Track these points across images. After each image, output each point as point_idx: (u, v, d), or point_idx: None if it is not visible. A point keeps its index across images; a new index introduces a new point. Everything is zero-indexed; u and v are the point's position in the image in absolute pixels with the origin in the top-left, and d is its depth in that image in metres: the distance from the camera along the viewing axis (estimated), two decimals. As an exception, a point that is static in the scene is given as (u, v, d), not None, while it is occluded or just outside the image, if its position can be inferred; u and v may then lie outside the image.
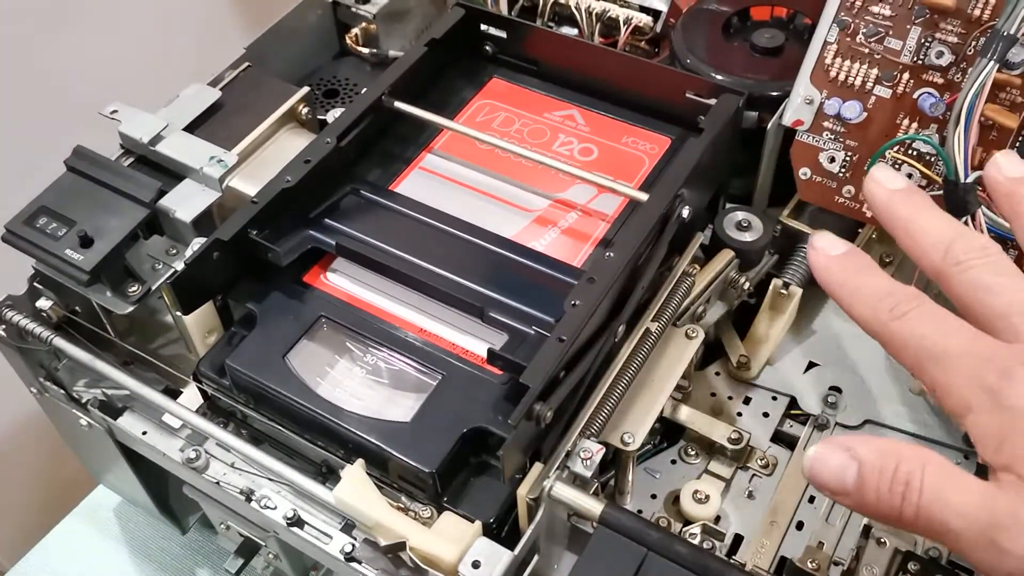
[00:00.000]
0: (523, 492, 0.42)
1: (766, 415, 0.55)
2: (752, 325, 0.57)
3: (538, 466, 0.43)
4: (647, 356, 0.48)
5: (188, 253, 0.51)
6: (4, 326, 0.51)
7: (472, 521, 0.42)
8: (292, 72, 0.68)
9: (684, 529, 0.48)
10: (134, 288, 0.52)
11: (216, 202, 0.55)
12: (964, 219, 0.46)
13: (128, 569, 0.62)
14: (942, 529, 0.29)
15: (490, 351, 0.45)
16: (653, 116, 0.57)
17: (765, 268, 0.56)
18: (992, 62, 0.46)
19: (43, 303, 0.52)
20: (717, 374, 0.57)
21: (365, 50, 0.69)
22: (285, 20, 0.67)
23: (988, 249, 0.33)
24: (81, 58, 0.80)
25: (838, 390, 0.56)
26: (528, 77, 0.60)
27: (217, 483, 0.47)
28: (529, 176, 0.54)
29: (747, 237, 0.54)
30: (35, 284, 0.53)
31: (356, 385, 0.46)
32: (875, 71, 0.53)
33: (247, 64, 0.62)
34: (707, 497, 0.49)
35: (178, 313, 0.49)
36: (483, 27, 0.61)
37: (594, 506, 0.41)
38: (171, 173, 0.56)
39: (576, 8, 0.65)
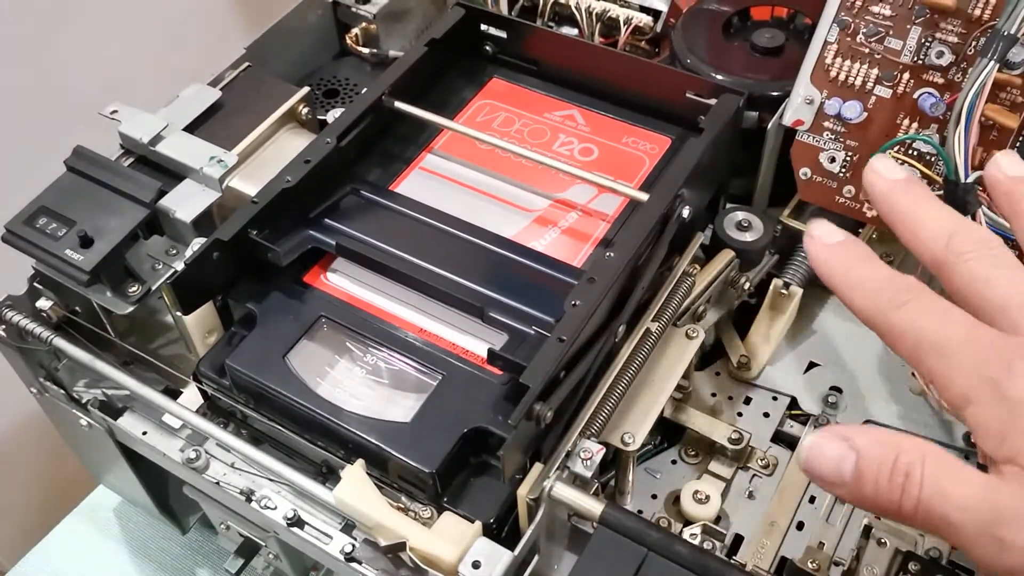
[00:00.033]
0: (523, 492, 0.42)
1: (766, 415, 0.55)
2: (752, 325, 0.57)
3: (538, 466, 0.43)
4: (647, 356, 0.48)
5: (188, 253, 0.51)
6: (4, 326, 0.51)
7: (472, 521, 0.42)
8: (292, 72, 0.67)
9: (684, 529, 0.48)
10: (134, 288, 0.52)
11: (216, 202, 0.55)
12: (964, 219, 0.46)
13: (128, 569, 0.62)
14: (942, 523, 0.29)
15: (490, 351, 0.45)
16: (653, 116, 0.57)
17: (765, 268, 0.56)
18: (992, 62, 0.46)
19: (43, 303, 0.52)
20: (717, 374, 0.57)
21: (365, 50, 0.69)
22: (285, 20, 0.67)
23: (989, 242, 0.33)
24: (81, 58, 0.80)
25: (838, 390, 0.56)
26: (528, 77, 0.60)
27: (217, 483, 0.47)
28: (529, 176, 0.54)
29: (747, 237, 0.54)
30: (35, 284, 0.53)
31: (356, 385, 0.46)
32: (875, 71, 0.53)
33: (247, 64, 0.62)
34: (707, 497, 0.49)
35: (178, 313, 0.49)
36: (483, 27, 0.61)
37: (594, 506, 0.41)
38: (171, 173, 0.56)
39: (576, 8, 0.65)
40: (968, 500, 0.29)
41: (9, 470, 0.84)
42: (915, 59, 0.52)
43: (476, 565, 0.40)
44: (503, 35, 0.60)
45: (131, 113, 0.57)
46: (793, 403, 0.56)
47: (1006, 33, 0.46)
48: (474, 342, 0.47)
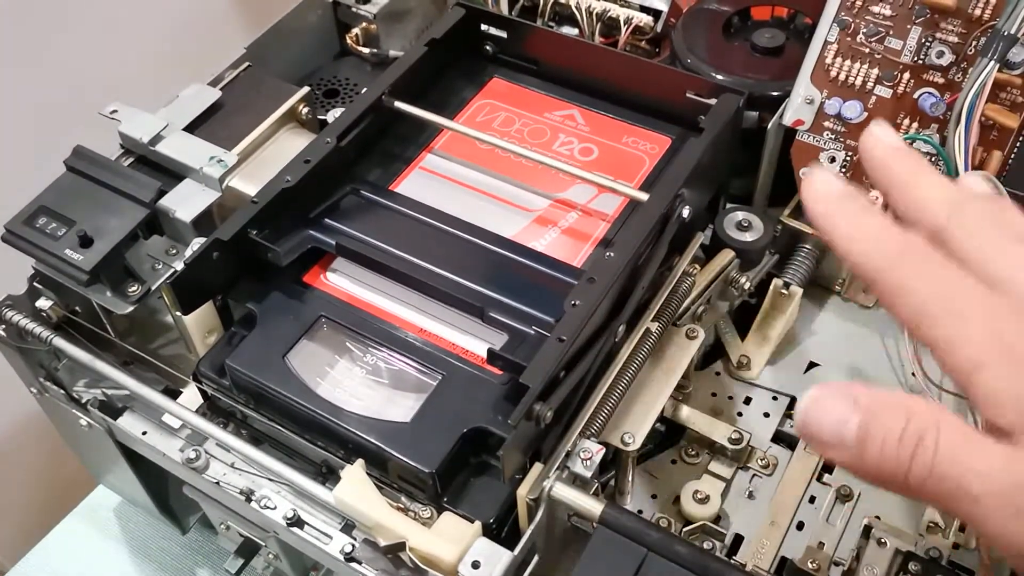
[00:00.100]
0: (523, 492, 0.42)
1: (766, 415, 0.55)
2: (752, 325, 0.57)
3: (538, 466, 0.43)
4: (647, 356, 0.48)
5: (188, 253, 0.51)
6: (4, 326, 0.51)
7: (472, 521, 0.42)
8: (292, 72, 0.67)
9: (684, 529, 0.48)
10: (134, 288, 0.52)
11: (216, 202, 0.55)
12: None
13: (128, 569, 0.62)
14: (958, 493, 0.27)
15: (490, 351, 0.45)
16: (653, 116, 0.57)
17: (765, 268, 0.56)
18: (993, 62, 0.46)
19: (43, 303, 0.52)
20: (717, 374, 0.57)
21: (365, 50, 0.69)
22: (285, 20, 0.67)
23: (992, 211, 0.31)
24: (81, 58, 0.80)
25: (839, 390, 0.55)
26: (528, 77, 0.60)
27: (217, 483, 0.47)
28: (529, 176, 0.54)
29: (747, 237, 0.54)
30: (35, 284, 0.53)
31: (356, 385, 0.46)
32: (876, 71, 0.53)
33: (247, 64, 0.62)
34: (707, 497, 0.49)
35: (178, 313, 0.49)
36: (483, 27, 0.61)
37: (594, 506, 0.41)
38: (171, 173, 0.56)
39: (576, 8, 0.65)
40: (989, 469, 0.26)
41: (9, 470, 0.84)
42: (915, 59, 0.52)
43: (476, 565, 0.40)
44: (503, 35, 0.60)
45: (131, 113, 0.57)
46: (793, 403, 0.56)
47: (1006, 33, 0.46)
48: (474, 342, 0.47)
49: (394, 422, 0.44)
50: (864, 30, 0.53)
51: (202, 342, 0.51)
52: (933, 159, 0.52)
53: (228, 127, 0.58)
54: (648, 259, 0.48)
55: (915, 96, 0.52)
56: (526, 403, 0.40)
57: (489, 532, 0.42)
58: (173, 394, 0.51)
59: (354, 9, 0.68)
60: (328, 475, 0.46)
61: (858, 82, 0.53)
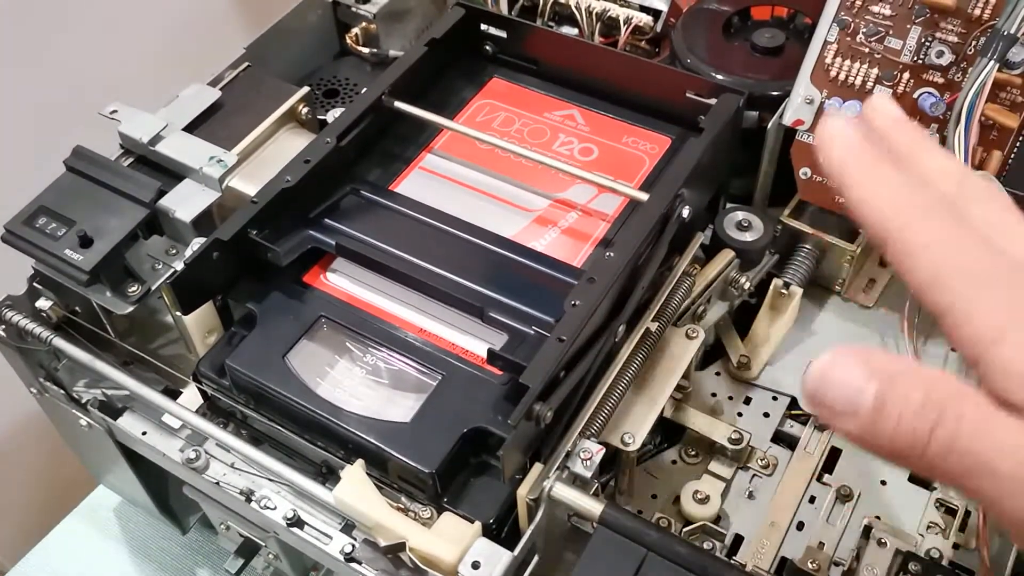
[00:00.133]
0: (523, 492, 0.42)
1: (766, 415, 0.55)
2: (752, 325, 0.57)
3: (538, 466, 0.43)
4: (647, 356, 0.48)
5: (188, 253, 0.51)
6: (4, 326, 0.51)
7: (472, 521, 0.42)
8: (292, 72, 0.67)
9: (684, 529, 0.48)
10: (134, 288, 0.52)
11: (216, 202, 0.55)
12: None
13: (128, 569, 0.62)
14: (980, 470, 0.25)
15: (490, 351, 0.45)
16: (653, 116, 0.57)
17: (765, 268, 0.56)
18: (992, 62, 0.46)
19: (43, 303, 0.52)
20: (717, 374, 0.57)
21: (365, 50, 0.69)
22: (285, 20, 0.67)
23: (997, 190, 0.29)
24: (81, 58, 0.80)
25: (838, 390, 0.55)
26: (528, 77, 0.60)
27: (217, 483, 0.47)
28: (529, 176, 0.54)
29: (747, 237, 0.54)
30: (35, 284, 0.53)
31: (356, 385, 0.46)
32: (875, 71, 0.53)
33: (247, 64, 0.62)
34: (707, 497, 0.49)
35: (178, 313, 0.49)
36: (483, 27, 0.61)
37: (594, 506, 0.41)
38: (171, 173, 0.56)
39: (576, 8, 0.65)
40: (1016, 446, 0.25)
41: (9, 470, 0.84)
42: (915, 59, 0.52)
43: (476, 565, 0.40)
44: (503, 35, 0.60)
45: (131, 113, 0.57)
46: (793, 403, 0.56)
47: (1006, 33, 0.46)
48: (474, 342, 0.47)
49: (394, 422, 0.44)
50: (864, 30, 0.53)
51: (202, 342, 0.51)
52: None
53: (228, 127, 0.58)
54: (648, 259, 0.48)
55: (915, 96, 0.52)
56: (526, 403, 0.40)
57: (489, 532, 0.42)
58: (173, 394, 0.51)
59: (354, 9, 0.69)
60: (328, 475, 0.46)
61: (858, 82, 0.53)
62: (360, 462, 0.43)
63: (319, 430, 0.46)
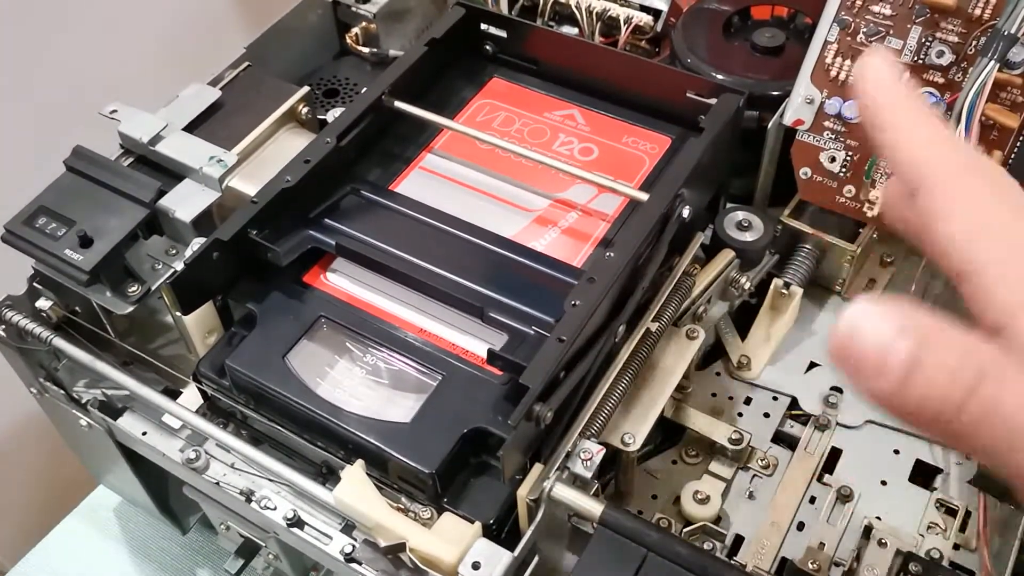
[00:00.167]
0: (523, 493, 0.42)
1: (767, 415, 0.55)
2: (753, 325, 0.57)
3: (538, 467, 0.43)
4: (647, 356, 0.48)
5: (188, 253, 0.51)
6: (4, 326, 0.51)
7: (472, 522, 0.42)
8: (292, 72, 0.67)
9: (685, 530, 0.48)
10: (134, 288, 0.52)
11: (216, 202, 0.55)
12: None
13: (128, 569, 0.62)
14: (1017, 440, 0.23)
15: (490, 351, 0.45)
16: (653, 116, 0.57)
17: (766, 268, 0.56)
18: (993, 62, 0.46)
19: (43, 303, 0.52)
20: (718, 374, 0.57)
21: (365, 50, 0.69)
22: (285, 20, 0.67)
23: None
24: (81, 58, 0.80)
25: (839, 390, 0.56)
26: (528, 77, 0.60)
27: (217, 484, 0.47)
28: (529, 176, 0.54)
29: (748, 237, 0.54)
30: (35, 284, 0.53)
31: (356, 385, 0.46)
32: (876, 71, 0.53)
33: (247, 64, 0.62)
34: (708, 498, 0.49)
35: (178, 313, 0.49)
36: (483, 26, 0.61)
37: (594, 507, 0.41)
38: (171, 173, 0.56)
39: (576, 7, 0.65)
40: None
41: (9, 470, 0.84)
42: (915, 59, 0.52)
43: (476, 566, 0.40)
44: (503, 34, 0.60)
45: (131, 113, 0.57)
46: (793, 403, 0.56)
47: (1006, 33, 0.46)
48: (474, 342, 0.47)
49: (394, 422, 0.44)
50: (864, 30, 0.53)
51: (202, 342, 0.51)
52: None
53: (228, 127, 0.58)
54: (648, 259, 0.48)
55: (915, 96, 0.52)
56: (526, 403, 0.40)
57: (489, 533, 0.42)
58: (173, 394, 0.51)
59: (354, 9, 0.68)
60: (328, 475, 0.46)
61: (858, 82, 0.53)
62: (360, 462, 0.43)
63: (319, 430, 0.46)
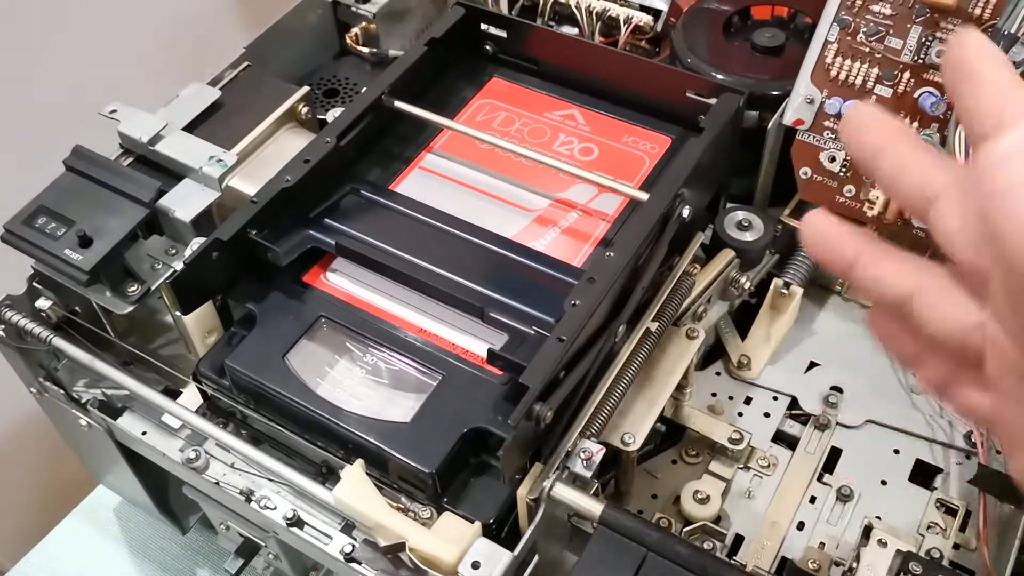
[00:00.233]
0: (523, 492, 0.42)
1: (767, 415, 0.55)
2: (753, 325, 0.57)
3: (538, 466, 0.43)
4: (647, 356, 0.48)
5: (188, 253, 0.51)
6: (3, 326, 0.51)
7: (472, 521, 0.42)
8: (292, 72, 0.67)
9: (685, 529, 0.48)
10: (134, 288, 0.52)
11: (216, 202, 0.55)
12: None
13: (128, 569, 0.62)
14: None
15: (490, 351, 0.45)
16: (653, 115, 0.57)
17: (766, 268, 0.56)
18: (993, 61, 0.46)
19: (42, 303, 0.52)
20: (718, 374, 0.57)
21: (365, 49, 0.69)
22: (285, 20, 0.67)
23: None
24: (81, 58, 0.80)
25: (839, 390, 0.56)
26: (528, 76, 0.60)
27: (217, 483, 0.47)
28: (529, 176, 0.54)
29: (748, 237, 0.54)
30: (34, 284, 0.53)
31: (356, 385, 0.46)
32: (876, 70, 0.53)
33: (247, 64, 0.62)
34: (708, 497, 0.49)
35: (178, 313, 0.49)
36: (483, 26, 0.61)
37: (594, 507, 0.41)
38: (170, 173, 0.56)
39: (576, 7, 0.65)
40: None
41: (9, 470, 0.84)
42: (915, 58, 0.52)
43: (476, 565, 0.40)
44: (503, 34, 0.60)
45: (130, 113, 0.57)
46: (793, 403, 0.56)
47: (1006, 32, 0.46)
48: (474, 342, 0.47)
49: (394, 422, 0.44)
50: (864, 29, 0.53)
51: (202, 342, 0.51)
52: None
53: (228, 127, 0.58)
54: (648, 259, 0.48)
55: (915, 95, 0.52)
56: (526, 403, 0.40)
57: (489, 532, 0.42)
58: (173, 394, 0.51)
59: (354, 9, 0.68)
60: (328, 475, 0.46)
61: (858, 81, 0.53)
62: (360, 462, 0.43)
63: (319, 430, 0.46)
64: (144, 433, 0.49)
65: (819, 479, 0.52)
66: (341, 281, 0.51)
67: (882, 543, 0.47)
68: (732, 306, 0.56)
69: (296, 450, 0.47)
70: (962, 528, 0.49)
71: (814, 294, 0.59)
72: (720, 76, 0.58)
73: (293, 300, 0.49)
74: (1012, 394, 0.26)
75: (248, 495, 0.46)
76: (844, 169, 0.55)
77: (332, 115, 0.57)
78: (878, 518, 0.49)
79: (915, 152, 0.27)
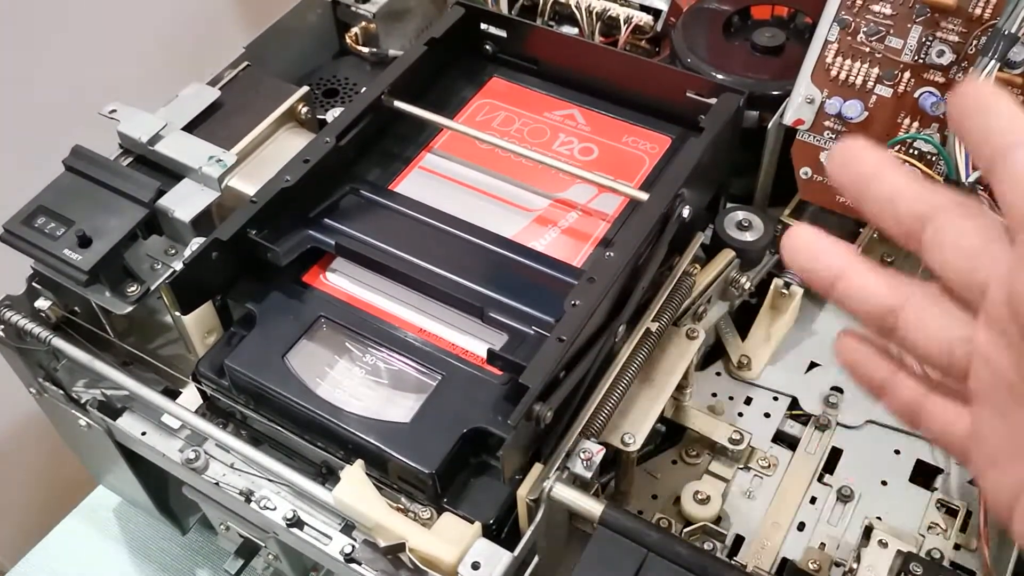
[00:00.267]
0: (523, 493, 0.42)
1: (767, 415, 0.55)
2: (753, 325, 0.57)
3: (538, 467, 0.43)
4: (647, 356, 0.48)
5: (187, 253, 0.51)
6: (3, 326, 0.51)
7: (472, 522, 0.42)
8: (292, 71, 0.67)
9: (685, 530, 0.48)
10: (133, 288, 0.52)
11: (215, 202, 0.55)
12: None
13: (128, 569, 0.62)
14: None
15: (490, 351, 0.45)
16: (653, 115, 0.57)
17: (766, 268, 0.56)
18: (993, 61, 0.46)
19: (42, 303, 0.52)
20: (718, 374, 0.57)
21: (365, 49, 0.69)
22: (285, 20, 0.67)
23: None
24: (81, 58, 0.80)
25: (839, 390, 0.55)
26: (528, 76, 0.60)
27: (217, 484, 0.47)
28: (529, 176, 0.54)
29: (748, 237, 0.54)
30: (34, 284, 0.53)
31: (356, 385, 0.46)
32: (876, 70, 0.53)
33: (247, 64, 0.62)
34: (708, 498, 0.49)
35: (177, 313, 0.49)
36: (483, 26, 0.61)
37: (594, 507, 0.41)
38: (170, 173, 0.56)
39: (576, 7, 0.65)
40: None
41: (9, 470, 0.84)
42: (916, 58, 0.52)
43: (476, 566, 0.40)
44: (503, 34, 0.60)
45: (130, 112, 0.57)
46: (793, 403, 0.55)
47: (1007, 32, 0.46)
48: (474, 342, 0.47)
49: (394, 422, 0.44)
50: (864, 29, 0.53)
51: (201, 342, 0.51)
52: (933, 158, 0.52)
53: (227, 127, 0.58)
54: (648, 259, 0.48)
55: (915, 95, 0.52)
56: (526, 403, 0.40)
57: (489, 533, 0.42)
58: (173, 394, 0.51)
59: (354, 8, 0.68)
60: (328, 476, 0.46)
61: (859, 81, 0.53)
62: (360, 462, 0.43)
63: (319, 430, 0.45)
64: (144, 433, 0.49)
65: (819, 479, 0.52)
66: (341, 281, 0.51)
67: (883, 543, 0.47)
68: (732, 306, 0.56)
69: (296, 450, 0.47)
70: (963, 528, 0.49)
71: (814, 294, 0.59)
72: (720, 76, 0.58)
73: (293, 300, 0.49)
74: (999, 408, 0.26)
75: (248, 495, 0.46)
76: (844, 169, 0.55)
77: (332, 115, 0.57)
78: (879, 518, 0.49)
79: (907, 177, 0.27)
